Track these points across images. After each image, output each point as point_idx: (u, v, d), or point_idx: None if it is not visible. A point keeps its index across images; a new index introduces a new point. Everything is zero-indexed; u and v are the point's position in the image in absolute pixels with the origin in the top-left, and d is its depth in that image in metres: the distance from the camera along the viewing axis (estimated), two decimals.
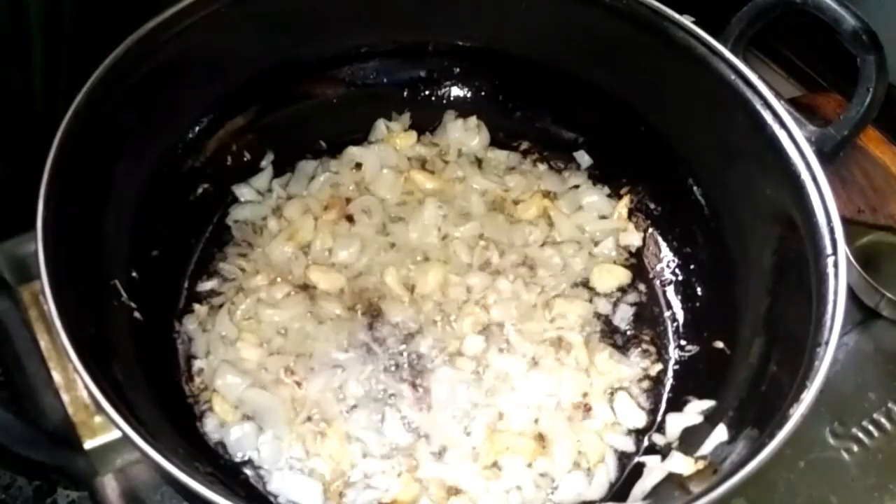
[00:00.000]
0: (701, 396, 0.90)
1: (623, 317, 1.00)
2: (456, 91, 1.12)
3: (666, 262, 1.04)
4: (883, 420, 0.97)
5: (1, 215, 0.88)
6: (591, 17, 0.96)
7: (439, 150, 1.11)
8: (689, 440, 0.87)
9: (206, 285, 0.98)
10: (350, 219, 1.03)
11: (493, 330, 0.96)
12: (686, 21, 0.90)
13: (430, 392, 0.91)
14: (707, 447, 0.82)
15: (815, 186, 0.81)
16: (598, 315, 0.99)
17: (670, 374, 0.96)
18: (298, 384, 0.90)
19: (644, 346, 0.98)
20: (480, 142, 1.11)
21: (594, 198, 1.07)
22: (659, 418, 0.93)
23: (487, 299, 0.98)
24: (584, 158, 1.10)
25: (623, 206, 1.06)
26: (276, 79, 1.03)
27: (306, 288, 0.97)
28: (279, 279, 0.98)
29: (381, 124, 1.10)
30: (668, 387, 0.95)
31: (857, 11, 0.82)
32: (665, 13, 0.91)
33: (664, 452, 0.88)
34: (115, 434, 0.74)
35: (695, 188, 1.00)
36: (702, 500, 0.67)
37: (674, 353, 0.98)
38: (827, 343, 0.74)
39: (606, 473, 0.88)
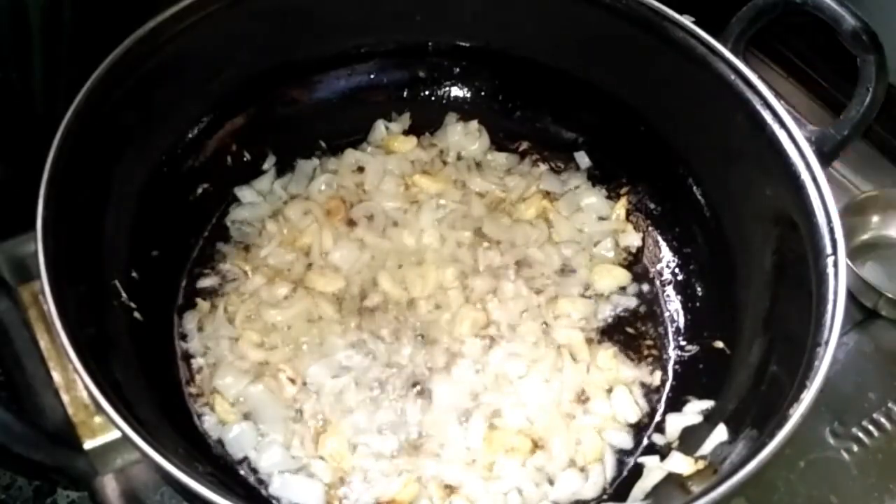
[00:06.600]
0: (701, 396, 0.90)
1: (623, 317, 1.00)
2: (456, 91, 1.12)
3: (666, 262, 1.04)
4: (883, 420, 0.97)
5: (1, 215, 0.88)
6: (590, 17, 0.96)
7: (439, 150, 1.11)
8: (689, 440, 0.87)
9: (206, 285, 0.98)
10: (351, 222, 1.03)
11: (493, 331, 0.96)
12: (686, 21, 0.91)
13: (429, 392, 0.91)
14: (707, 447, 0.82)
15: (815, 186, 0.81)
16: (597, 315, 0.99)
17: (670, 373, 0.96)
18: (297, 383, 0.90)
19: (644, 346, 0.98)
20: (480, 147, 1.11)
21: (593, 199, 1.07)
22: (658, 418, 0.93)
23: (487, 300, 0.98)
24: (583, 160, 1.10)
25: (621, 206, 1.06)
26: (276, 79, 1.04)
27: (306, 289, 0.97)
28: (279, 280, 0.98)
29: (380, 125, 1.10)
30: (667, 387, 0.95)
31: (856, 11, 0.82)
32: (665, 13, 0.91)
33: (664, 452, 0.88)
34: (115, 434, 0.74)
35: (695, 188, 1.00)
36: (702, 500, 0.67)
37: (674, 353, 0.97)
38: (827, 343, 0.74)
39: (603, 472, 0.88)
